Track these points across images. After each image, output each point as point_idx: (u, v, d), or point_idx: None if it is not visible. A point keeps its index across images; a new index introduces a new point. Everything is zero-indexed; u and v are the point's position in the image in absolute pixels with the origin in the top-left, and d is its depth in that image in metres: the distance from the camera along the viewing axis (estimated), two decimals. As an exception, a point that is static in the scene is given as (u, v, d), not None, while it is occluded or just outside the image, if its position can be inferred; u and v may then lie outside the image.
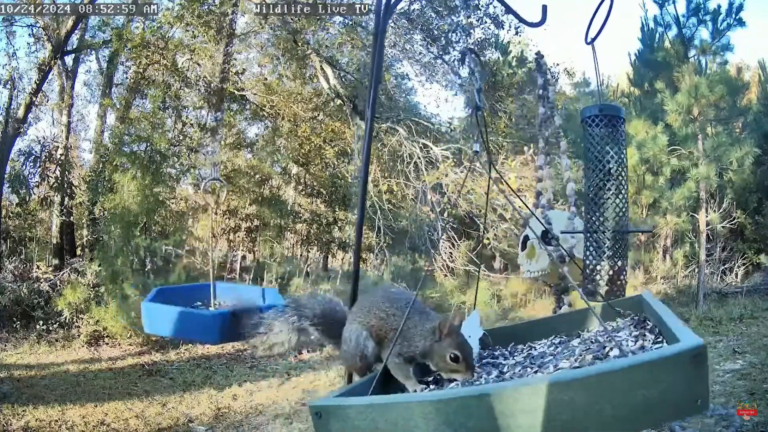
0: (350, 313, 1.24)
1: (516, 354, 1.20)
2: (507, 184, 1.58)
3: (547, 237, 1.58)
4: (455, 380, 1.06)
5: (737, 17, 9.26)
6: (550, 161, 1.81)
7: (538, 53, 1.85)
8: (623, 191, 1.35)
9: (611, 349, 0.96)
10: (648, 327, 1.05)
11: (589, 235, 1.37)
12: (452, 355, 1.04)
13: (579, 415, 0.71)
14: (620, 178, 1.35)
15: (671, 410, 0.70)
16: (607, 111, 1.36)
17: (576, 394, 0.71)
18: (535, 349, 1.19)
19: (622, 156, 1.36)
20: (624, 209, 1.35)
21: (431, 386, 1.09)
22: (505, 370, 1.07)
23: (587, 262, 1.37)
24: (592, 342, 1.09)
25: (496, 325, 1.47)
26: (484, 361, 1.18)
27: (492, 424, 0.74)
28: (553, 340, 1.23)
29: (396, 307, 1.16)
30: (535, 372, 0.99)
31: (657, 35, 10.61)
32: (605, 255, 1.33)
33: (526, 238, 1.79)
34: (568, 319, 1.33)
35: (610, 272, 1.32)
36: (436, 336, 1.06)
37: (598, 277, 1.34)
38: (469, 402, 0.77)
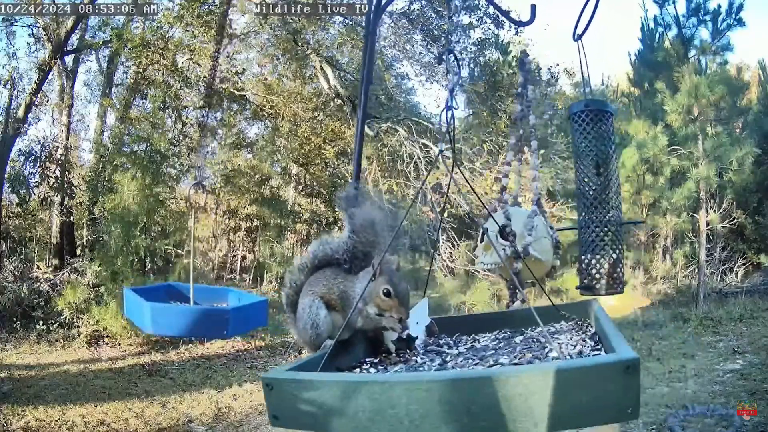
0: (302, 292, 1.23)
1: (460, 344, 1.21)
2: (467, 181, 1.61)
3: (504, 232, 1.61)
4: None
5: (737, 17, 9.27)
6: (520, 158, 1.85)
7: (522, 52, 1.87)
8: (614, 184, 1.35)
9: (551, 350, 0.98)
10: (589, 334, 1.08)
11: (582, 229, 1.37)
12: (384, 290, 1.06)
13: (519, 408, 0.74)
14: (610, 171, 1.35)
15: (604, 414, 0.74)
16: (593, 106, 1.37)
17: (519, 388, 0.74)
18: (479, 342, 1.21)
19: (612, 149, 1.36)
20: (616, 202, 1.35)
21: (378, 368, 1.09)
22: (447, 359, 1.08)
23: (582, 256, 1.37)
24: (533, 341, 1.11)
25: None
26: (428, 348, 1.19)
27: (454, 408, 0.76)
28: (498, 335, 1.25)
29: (342, 276, 1.17)
30: (476, 364, 1.01)
31: (657, 35, 10.62)
32: (599, 249, 1.33)
33: (486, 230, 1.82)
34: (516, 316, 1.35)
35: (606, 266, 1.32)
36: (372, 277, 1.08)
37: (594, 271, 1.34)
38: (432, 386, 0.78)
